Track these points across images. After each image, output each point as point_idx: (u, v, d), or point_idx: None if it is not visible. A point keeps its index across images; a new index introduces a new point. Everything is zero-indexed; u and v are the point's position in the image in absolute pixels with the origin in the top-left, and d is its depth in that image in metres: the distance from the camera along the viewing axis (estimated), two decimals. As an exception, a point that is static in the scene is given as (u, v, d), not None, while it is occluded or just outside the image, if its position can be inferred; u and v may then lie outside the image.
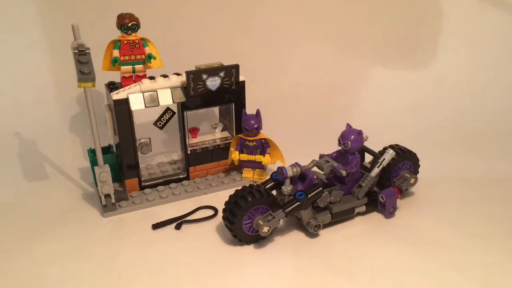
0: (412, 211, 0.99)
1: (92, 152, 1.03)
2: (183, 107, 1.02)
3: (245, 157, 1.08)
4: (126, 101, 0.95)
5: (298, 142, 1.27)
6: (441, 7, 1.43)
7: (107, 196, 0.97)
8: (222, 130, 1.15)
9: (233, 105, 1.08)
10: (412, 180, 1.02)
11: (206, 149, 1.09)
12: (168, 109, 1.01)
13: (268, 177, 0.95)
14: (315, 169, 0.94)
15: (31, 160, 1.18)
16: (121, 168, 1.04)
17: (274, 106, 1.37)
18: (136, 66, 0.99)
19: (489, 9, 1.43)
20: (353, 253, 0.87)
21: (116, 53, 0.96)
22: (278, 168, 0.90)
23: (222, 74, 1.01)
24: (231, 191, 0.90)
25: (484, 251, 0.87)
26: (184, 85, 1.00)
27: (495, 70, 1.44)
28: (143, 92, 0.97)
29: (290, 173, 0.89)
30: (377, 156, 1.00)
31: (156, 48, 1.00)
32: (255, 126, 1.05)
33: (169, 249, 0.88)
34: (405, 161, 1.02)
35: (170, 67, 1.03)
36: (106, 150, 1.06)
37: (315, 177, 0.93)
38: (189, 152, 1.07)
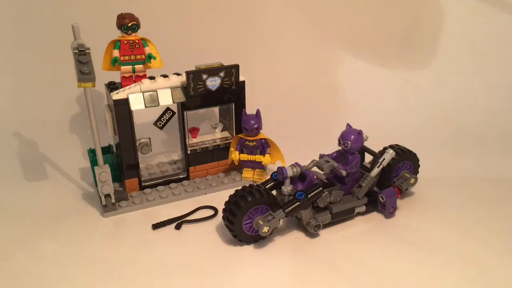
0: (412, 211, 0.99)
1: (92, 152, 1.03)
2: (183, 107, 1.02)
3: (245, 157, 1.08)
4: (126, 101, 0.95)
5: (298, 142, 1.27)
6: (441, 7, 1.43)
7: (107, 196, 0.97)
8: (222, 130, 1.15)
9: (233, 105, 1.08)
10: (412, 180, 1.02)
11: (206, 149, 1.09)
12: (168, 109, 1.01)
13: (268, 177, 0.95)
14: (315, 169, 0.94)
15: (31, 160, 1.18)
16: (121, 168, 1.04)
17: (274, 106, 1.37)
18: (136, 66, 0.99)
19: (489, 9, 1.43)
20: (353, 253, 0.87)
21: (116, 53, 0.96)
22: (278, 168, 0.90)
23: (222, 74, 1.01)
24: (231, 191, 0.90)
25: (484, 251, 0.87)
26: (184, 85, 1.00)
27: (495, 70, 1.44)
28: (143, 92, 0.97)
29: (290, 173, 0.89)
30: (377, 156, 1.00)
31: (156, 48, 1.00)
32: (255, 126, 1.05)
33: (169, 249, 0.88)
34: (405, 161, 1.03)
35: (170, 67, 1.03)
36: (106, 150, 1.06)
37: (315, 177, 0.93)
38: (189, 152, 1.07)
